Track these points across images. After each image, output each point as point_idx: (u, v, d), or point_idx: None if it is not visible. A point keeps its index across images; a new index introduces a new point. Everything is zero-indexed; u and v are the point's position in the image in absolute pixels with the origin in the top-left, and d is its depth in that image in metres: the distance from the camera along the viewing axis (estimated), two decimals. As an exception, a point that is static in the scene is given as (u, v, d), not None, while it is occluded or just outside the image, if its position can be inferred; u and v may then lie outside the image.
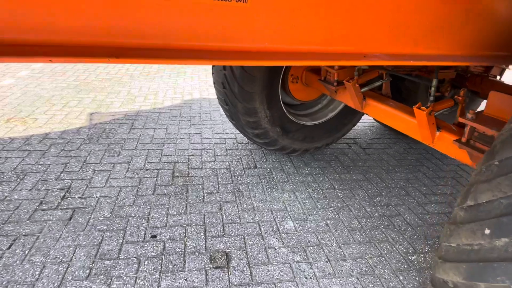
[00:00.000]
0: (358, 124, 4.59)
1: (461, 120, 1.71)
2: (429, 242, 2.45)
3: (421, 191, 3.12)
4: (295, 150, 3.38)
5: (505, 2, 1.33)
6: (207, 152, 3.46)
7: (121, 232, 2.24)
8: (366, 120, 4.77)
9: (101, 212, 2.41)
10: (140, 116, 4.20)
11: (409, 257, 2.29)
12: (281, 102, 3.06)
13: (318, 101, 3.55)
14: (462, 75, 3.47)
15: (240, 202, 2.69)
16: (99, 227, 2.26)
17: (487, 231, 0.97)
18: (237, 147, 3.62)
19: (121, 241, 2.16)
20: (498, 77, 3.68)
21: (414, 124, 2.10)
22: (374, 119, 4.47)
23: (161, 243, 2.17)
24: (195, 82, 5.94)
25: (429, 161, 3.76)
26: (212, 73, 3.07)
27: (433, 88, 1.85)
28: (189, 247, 2.17)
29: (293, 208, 2.69)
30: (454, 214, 1.13)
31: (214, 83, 3.17)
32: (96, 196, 2.59)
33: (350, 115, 3.49)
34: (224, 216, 2.50)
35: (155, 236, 2.23)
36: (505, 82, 3.46)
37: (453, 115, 2.04)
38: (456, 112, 1.86)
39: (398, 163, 3.66)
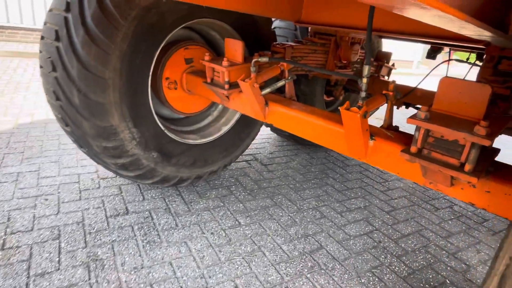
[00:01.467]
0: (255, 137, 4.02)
1: (410, 121, 1.19)
2: (363, 281, 1.93)
3: (336, 210, 2.66)
4: (184, 180, 2.51)
5: None
6: (46, 200, 2.27)
7: None
8: (263, 132, 4.26)
9: None
10: None
11: (350, 313, 1.69)
12: (155, 116, 2.17)
13: (207, 113, 2.79)
14: (357, 76, 3.24)
15: (97, 281, 1.66)
16: None
17: None
18: (98, 185, 2.53)
19: None
20: (386, 77, 3.64)
21: (339, 133, 1.53)
22: (271, 130, 3.97)
23: None
24: (41, 99, 4.43)
25: (334, 171, 3.42)
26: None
27: (365, 80, 1.30)
28: None
29: (185, 271, 1.81)
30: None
31: (45, 94, 2.06)
32: None
33: (248, 127, 2.83)
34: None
35: None
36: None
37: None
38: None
39: (304, 177, 3.18)
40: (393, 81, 1.46)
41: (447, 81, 1.19)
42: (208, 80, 2.09)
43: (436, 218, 2.75)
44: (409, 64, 15.36)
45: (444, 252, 2.31)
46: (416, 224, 2.62)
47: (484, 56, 1.74)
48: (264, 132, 4.26)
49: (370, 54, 1.25)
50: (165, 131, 2.24)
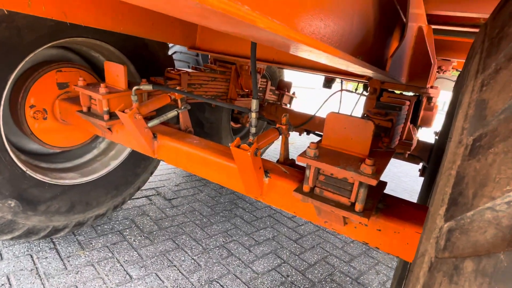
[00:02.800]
0: (159, 168, 3.67)
1: (300, 160, 1.11)
2: (271, 326, 1.77)
3: (244, 244, 2.51)
4: (59, 230, 2.04)
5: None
6: None
7: None
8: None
9: None
10: None
11: None
12: (12, 153, 1.71)
13: (92, 145, 2.38)
14: (260, 104, 3.24)
15: None
16: None
17: None
18: None
19: None
20: (288, 105, 3.75)
21: (233, 170, 1.38)
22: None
23: None
24: None
25: (243, 200, 3.30)
26: None
27: (253, 115, 1.18)
28: None
29: None
30: None
31: None
32: None
33: (145, 160, 2.51)
34: None
35: None
36: (295, 110, 3.52)
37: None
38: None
39: (213, 210, 2.97)
40: (285, 115, 1.39)
41: (333, 116, 1.15)
42: (84, 109, 1.75)
43: (340, 242, 2.81)
44: (311, 91, 16.82)
45: (348, 278, 2.33)
46: (322, 250, 2.62)
47: (368, 89, 1.83)
48: (170, 162, 3.95)
49: (256, 88, 1.14)
50: (28, 171, 1.79)
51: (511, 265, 0.40)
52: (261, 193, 1.35)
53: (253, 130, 1.22)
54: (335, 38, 0.77)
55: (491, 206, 0.45)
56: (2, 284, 1.73)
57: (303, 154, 1.09)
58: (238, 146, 1.19)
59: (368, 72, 1.25)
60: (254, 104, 1.17)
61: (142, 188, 3.11)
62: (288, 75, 4.11)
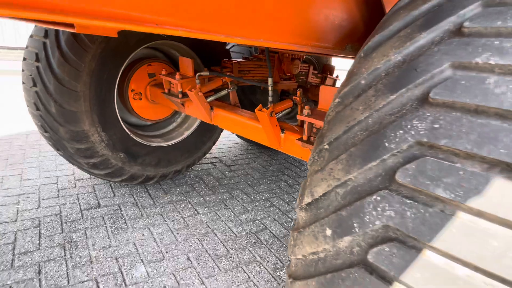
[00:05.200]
0: (223, 142, 4.45)
1: (298, 117, 1.64)
2: (296, 251, 2.34)
3: (284, 200, 3.10)
4: (150, 178, 2.90)
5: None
6: (28, 197, 2.61)
7: None
8: (231, 138, 4.69)
9: None
10: None
11: (278, 273, 2.10)
12: (122, 122, 2.57)
13: (172, 120, 3.20)
14: (303, 86, 3.74)
15: (71, 257, 2.02)
16: None
17: (328, 232, 0.77)
18: (74, 185, 2.88)
19: None
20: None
21: (261, 129, 1.97)
22: (237, 135, 4.42)
23: None
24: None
25: (289, 169, 3.86)
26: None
27: (270, 88, 1.76)
28: None
29: (146, 249, 2.19)
30: (296, 218, 0.92)
31: (27, 106, 2.44)
32: None
33: (209, 132, 3.25)
34: (43, 282, 1.79)
35: None
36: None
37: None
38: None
39: (262, 175, 3.61)
40: (299, 89, 1.92)
41: (324, 88, 1.65)
42: (166, 91, 2.52)
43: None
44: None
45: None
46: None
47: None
48: (232, 138, 4.69)
49: (271, 68, 1.71)
50: (131, 135, 2.64)
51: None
52: (279, 145, 1.92)
53: (270, 99, 1.79)
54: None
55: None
56: (116, 209, 2.62)
57: (301, 113, 1.63)
58: (260, 110, 1.78)
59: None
60: (269, 81, 1.74)
61: (208, 156, 3.90)
62: (334, 60, 4.48)
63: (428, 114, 0.64)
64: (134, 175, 2.75)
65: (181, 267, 2.05)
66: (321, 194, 0.80)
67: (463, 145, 0.58)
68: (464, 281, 0.54)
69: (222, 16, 1.02)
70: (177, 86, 2.34)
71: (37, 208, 2.49)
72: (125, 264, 2.02)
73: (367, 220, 0.67)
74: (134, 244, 2.22)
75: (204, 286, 1.91)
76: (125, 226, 2.40)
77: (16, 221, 2.30)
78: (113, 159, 2.54)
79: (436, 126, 0.62)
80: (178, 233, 2.39)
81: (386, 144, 0.68)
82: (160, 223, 2.50)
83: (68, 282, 1.82)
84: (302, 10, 1.23)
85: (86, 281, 1.85)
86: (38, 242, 2.12)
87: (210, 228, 2.51)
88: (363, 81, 0.80)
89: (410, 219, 0.61)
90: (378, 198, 0.66)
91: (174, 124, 3.20)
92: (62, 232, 2.25)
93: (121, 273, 1.94)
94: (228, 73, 2.31)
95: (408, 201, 0.62)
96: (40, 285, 1.77)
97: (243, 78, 2.60)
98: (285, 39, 1.24)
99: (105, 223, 2.41)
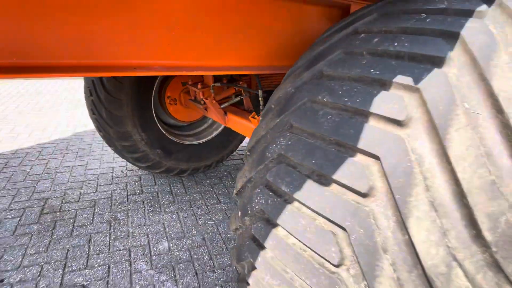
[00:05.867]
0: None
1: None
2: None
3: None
4: (184, 171, 3.39)
5: (281, 23, 1.56)
6: (89, 183, 3.29)
7: (-43, 283, 1.97)
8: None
9: None
10: (18, 154, 3.85)
11: (276, 258, 2.41)
12: (159, 124, 3.08)
13: (204, 121, 3.65)
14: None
15: (114, 231, 2.58)
16: None
17: (239, 214, 1.08)
18: (125, 175, 3.51)
19: (-46, 293, 1.90)
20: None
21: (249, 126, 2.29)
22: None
23: (9, 286, 1.96)
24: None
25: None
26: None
27: (260, 99, 2.06)
28: (41, 286, 1.99)
29: (172, 229, 2.66)
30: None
31: (88, 110, 3.08)
32: None
33: (235, 132, 3.64)
34: (91, 248, 2.37)
35: (2, 281, 2.00)
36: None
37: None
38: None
39: (287, 172, 3.88)
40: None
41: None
42: (192, 98, 2.96)
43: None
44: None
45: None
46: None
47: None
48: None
49: (259, 82, 2.01)
50: (166, 134, 3.15)
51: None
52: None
53: (261, 107, 2.09)
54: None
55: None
56: (154, 196, 3.16)
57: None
58: (253, 117, 2.08)
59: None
60: (260, 92, 2.04)
61: (240, 152, 4.29)
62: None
63: (288, 135, 0.92)
64: (169, 168, 3.26)
65: (196, 245, 2.48)
66: (239, 188, 1.11)
67: (297, 157, 0.85)
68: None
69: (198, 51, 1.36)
70: (199, 94, 2.75)
71: (95, 192, 3.14)
72: (153, 239, 2.51)
73: (253, 201, 0.97)
74: (163, 224, 2.71)
75: (211, 262, 2.31)
76: (159, 210, 2.92)
77: (78, 201, 2.96)
78: (151, 155, 3.07)
79: (289, 143, 0.90)
80: (200, 218, 2.83)
81: (268, 154, 0.97)
82: (187, 209, 2.97)
83: (109, 249, 2.37)
84: (264, 34, 1.52)
85: (122, 250, 2.37)
86: (92, 218, 2.73)
87: (227, 215, 2.90)
88: (272, 105, 1.09)
89: (271, 201, 0.90)
90: (259, 190, 0.96)
91: (206, 125, 3.65)
92: (110, 211, 2.84)
93: (149, 246, 2.43)
94: (240, 83, 2.65)
95: (270, 193, 0.91)
96: (88, 250, 2.34)
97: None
98: (251, 63, 1.55)
99: (144, 206, 2.95)
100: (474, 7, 0.78)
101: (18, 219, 2.63)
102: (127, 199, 3.05)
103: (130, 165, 3.72)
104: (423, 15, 0.85)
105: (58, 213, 2.75)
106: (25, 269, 2.11)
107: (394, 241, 0.66)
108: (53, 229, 2.54)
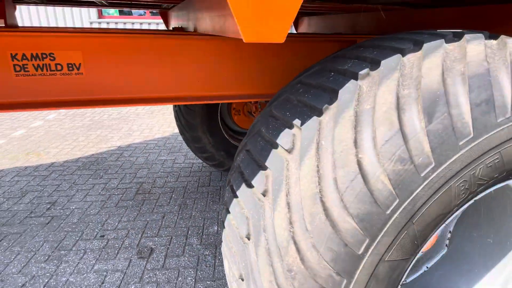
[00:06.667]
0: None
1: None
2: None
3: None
4: (244, 171, 3.98)
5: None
6: (173, 174, 4.18)
7: (79, 232, 2.96)
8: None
9: (71, 219, 3.17)
10: (130, 147, 5.08)
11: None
12: (223, 130, 3.74)
13: (266, 129, 4.17)
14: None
15: (181, 212, 3.33)
16: (66, 229, 3.01)
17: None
18: (200, 170, 4.31)
19: (77, 238, 2.88)
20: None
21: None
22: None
23: (106, 240, 2.86)
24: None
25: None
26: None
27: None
28: (126, 243, 2.83)
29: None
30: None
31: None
32: (72, 208, 3.37)
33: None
34: (163, 223, 3.14)
35: (103, 236, 2.92)
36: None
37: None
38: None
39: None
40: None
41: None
42: (249, 109, 3.51)
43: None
44: None
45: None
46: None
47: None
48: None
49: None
50: (229, 139, 3.78)
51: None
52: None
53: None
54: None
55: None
56: (217, 189, 3.82)
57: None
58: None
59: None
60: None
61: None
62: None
63: (256, 135, 1.35)
64: (220, 163, 3.89)
65: (238, 233, 3.01)
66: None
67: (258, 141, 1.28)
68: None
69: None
70: (252, 107, 3.28)
71: (175, 181, 3.99)
72: (207, 223, 3.15)
73: (237, 159, 1.43)
74: (218, 212, 3.34)
75: (246, 247, 2.81)
76: (218, 201, 3.56)
77: (162, 187, 3.84)
78: (217, 155, 3.75)
79: (252, 139, 1.33)
80: (248, 212, 3.35)
81: (253, 131, 1.41)
82: (240, 203, 3.53)
83: (174, 225, 3.10)
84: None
85: (183, 227, 3.08)
86: (168, 201, 3.55)
87: (271, 213, 3.35)
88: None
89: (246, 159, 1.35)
90: (241, 152, 1.42)
91: (267, 132, 4.15)
92: (183, 198, 3.62)
93: (203, 227, 3.08)
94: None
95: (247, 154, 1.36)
96: (160, 224, 3.12)
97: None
98: (265, 92, 1.98)
99: (207, 197, 3.65)
100: (359, 70, 1.08)
101: (121, 196, 3.63)
102: (197, 190, 3.80)
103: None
104: (332, 73, 1.18)
105: (147, 195, 3.66)
106: (118, 230, 3.00)
107: (270, 223, 1.04)
108: (141, 206, 3.43)
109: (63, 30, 1.58)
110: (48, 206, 3.39)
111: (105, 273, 2.49)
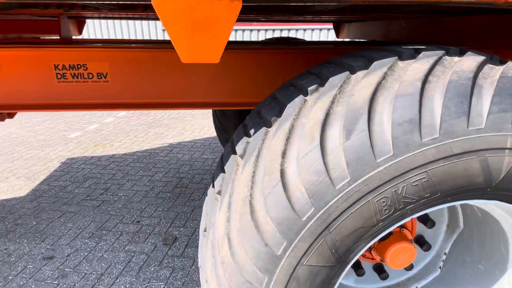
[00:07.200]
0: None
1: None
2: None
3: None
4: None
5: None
6: (211, 172, 4.48)
7: (121, 217, 3.40)
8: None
9: (117, 204, 3.65)
10: (179, 145, 5.56)
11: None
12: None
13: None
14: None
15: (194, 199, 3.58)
16: (111, 212, 3.49)
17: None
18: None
19: (118, 221, 3.32)
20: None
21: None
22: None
23: (140, 226, 3.24)
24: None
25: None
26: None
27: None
28: (156, 230, 3.17)
29: (247, 216, 3.42)
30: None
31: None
32: (120, 195, 3.87)
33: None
34: (191, 215, 3.43)
35: (139, 222, 3.31)
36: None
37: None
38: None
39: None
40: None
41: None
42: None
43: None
44: None
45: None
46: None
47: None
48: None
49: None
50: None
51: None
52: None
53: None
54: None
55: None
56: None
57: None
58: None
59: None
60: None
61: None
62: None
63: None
64: None
65: (256, 233, 3.15)
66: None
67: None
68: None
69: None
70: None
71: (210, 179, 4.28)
72: (230, 220, 3.35)
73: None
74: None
75: (260, 247, 2.93)
76: (245, 201, 3.74)
77: (198, 183, 4.16)
78: (248, 157, 3.94)
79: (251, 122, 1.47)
80: (271, 214, 3.47)
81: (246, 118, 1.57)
82: (266, 205, 3.66)
83: (200, 220, 3.36)
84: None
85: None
86: (200, 196, 3.84)
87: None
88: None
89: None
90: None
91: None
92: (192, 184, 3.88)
93: (225, 224, 3.28)
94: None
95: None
96: (189, 216, 3.41)
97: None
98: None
99: (236, 196, 3.85)
100: (310, 86, 1.15)
101: (162, 188, 4.04)
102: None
103: (242, 164, 4.73)
104: (292, 88, 1.26)
105: (183, 189, 4.01)
106: (152, 218, 3.37)
107: (217, 220, 1.18)
108: (177, 198, 3.78)
109: (93, 46, 1.92)
110: (101, 192, 3.94)
111: (133, 254, 2.84)
